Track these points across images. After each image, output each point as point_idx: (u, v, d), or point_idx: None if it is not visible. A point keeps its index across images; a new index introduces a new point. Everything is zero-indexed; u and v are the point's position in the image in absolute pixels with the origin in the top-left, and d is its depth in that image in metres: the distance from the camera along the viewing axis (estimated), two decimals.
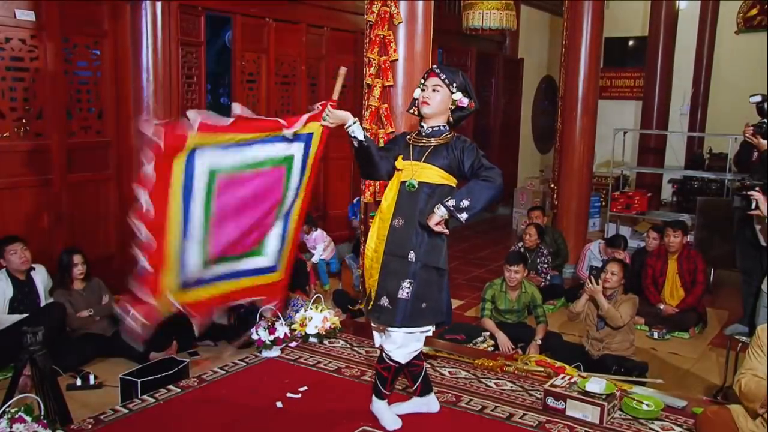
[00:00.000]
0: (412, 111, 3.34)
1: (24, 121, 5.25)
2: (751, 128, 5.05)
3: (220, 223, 3.19)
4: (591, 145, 7.58)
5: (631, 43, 12.61)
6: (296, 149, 3.29)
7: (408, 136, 3.30)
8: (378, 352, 3.40)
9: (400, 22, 4.82)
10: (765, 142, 4.97)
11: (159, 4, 5.84)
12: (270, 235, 3.38)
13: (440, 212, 3.04)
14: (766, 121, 5.01)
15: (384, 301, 3.15)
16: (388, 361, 3.27)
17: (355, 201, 6.41)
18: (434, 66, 3.29)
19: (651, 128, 10.35)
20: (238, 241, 3.28)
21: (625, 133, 9.03)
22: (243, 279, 3.40)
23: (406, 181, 3.15)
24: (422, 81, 3.23)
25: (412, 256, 3.12)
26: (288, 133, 3.23)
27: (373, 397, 3.42)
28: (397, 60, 4.86)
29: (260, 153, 3.23)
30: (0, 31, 5.00)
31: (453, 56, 10.06)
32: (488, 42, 10.67)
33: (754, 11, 11.47)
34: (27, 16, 5.14)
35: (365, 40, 4.97)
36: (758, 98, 5.04)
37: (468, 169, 3.14)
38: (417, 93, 3.24)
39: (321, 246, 6.97)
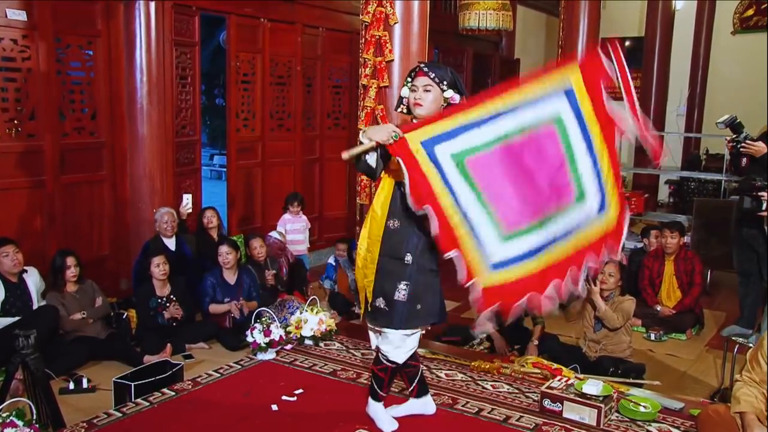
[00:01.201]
0: (400, 110, 3.30)
1: (16, 122, 5.23)
2: (730, 144, 5.13)
3: (497, 198, 2.91)
4: None
5: (627, 43, 12.63)
6: (558, 105, 2.99)
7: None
8: (374, 353, 3.39)
9: (395, 23, 4.82)
10: (761, 144, 4.99)
11: (152, 4, 5.84)
12: (581, 177, 3.01)
13: None
14: (743, 135, 5.06)
15: (380, 303, 3.14)
16: (385, 362, 3.26)
17: (331, 261, 6.36)
18: (421, 64, 3.25)
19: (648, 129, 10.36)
20: (535, 204, 2.95)
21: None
22: (581, 233, 3.01)
23: (400, 182, 3.10)
24: (409, 80, 3.18)
25: (408, 258, 3.11)
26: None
27: (370, 400, 3.41)
28: (392, 60, 4.86)
29: (503, 127, 2.93)
30: None
31: (449, 57, 10.06)
32: (484, 42, 10.68)
33: (750, 12, 11.51)
34: (18, 15, 5.12)
35: (361, 40, 4.98)
36: (723, 121, 5.08)
37: None
38: (405, 92, 3.20)
39: (305, 235, 6.86)
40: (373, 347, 3.37)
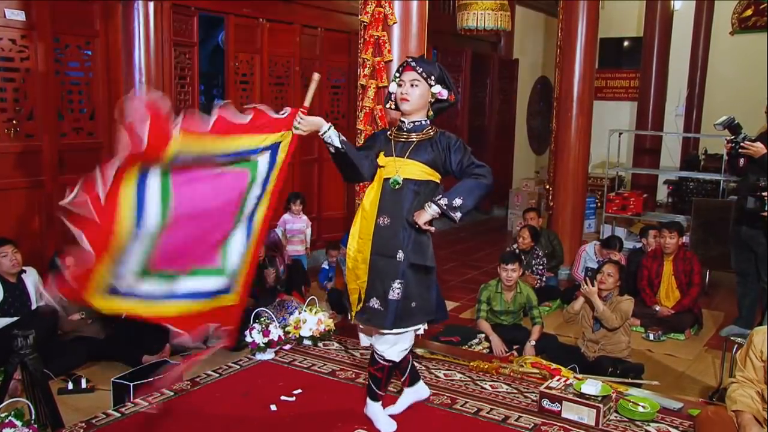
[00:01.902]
0: (388, 106, 3.28)
1: (14, 122, 5.22)
2: (729, 145, 5.14)
3: (174, 223, 2.80)
4: (586, 146, 7.59)
5: (626, 43, 12.67)
6: (261, 156, 3.02)
7: (388, 132, 3.24)
8: (370, 353, 3.39)
9: (394, 23, 4.83)
10: (759, 145, 5.00)
11: (151, 4, 5.84)
12: (229, 251, 2.99)
13: (432, 210, 3.01)
14: (741, 136, 5.07)
15: (374, 303, 3.11)
16: (381, 361, 3.26)
17: (324, 265, 6.35)
18: (409, 58, 3.20)
19: (646, 129, 10.39)
20: (188, 253, 2.89)
21: (620, 134, 9.06)
22: (196, 301, 2.94)
23: (389, 178, 3.10)
24: (397, 75, 3.15)
25: (400, 255, 3.07)
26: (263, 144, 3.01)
27: (368, 400, 3.41)
28: (391, 61, 4.86)
29: (226, 157, 2.94)
30: None
31: (448, 57, 10.07)
32: (483, 43, 10.69)
33: (748, 12, 11.53)
34: (17, 15, 5.12)
35: (359, 40, 4.98)
36: (721, 122, 5.10)
37: (456, 166, 3.10)
38: (393, 87, 3.18)
39: (309, 233, 6.83)
40: (363, 345, 3.39)
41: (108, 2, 5.75)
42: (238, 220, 2.98)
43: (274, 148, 3.03)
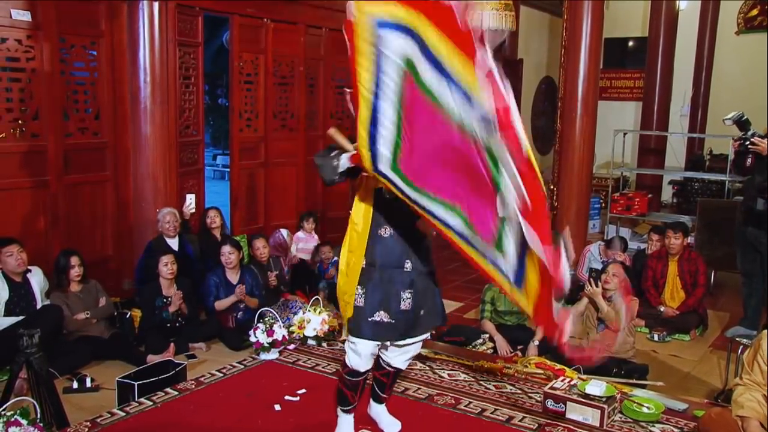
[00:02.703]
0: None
1: (20, 122, 5.24)
2: (737, 142, 5.12)
3: (412, 136, 2.53)
4: (591, 146, 7.57)
5: (630, 43, 12.63)
6: (481, 128, 2.44)
7: None
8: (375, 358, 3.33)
9: None
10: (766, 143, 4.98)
11: (156, 4, 5.84)
12: (505, 236, 2.56)
13: None
14: (750, 132, 5.06)
15: (382, 317, 2.98)
16: (387, 367, 3.25)
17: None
18: None
19: (651, 129, 10.36)
20: (453, 191, 2.57)
21: (625, 134, 9.04)
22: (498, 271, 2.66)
23: (383, 189, 2.93)
24: None
25: (408, 265, 3.01)
26: None
27: (371, 401, 3.42)
28: None
29: (453, 102, 2.46)
30: None
31: None
32: None
33: (754, 12, 11.49)
34: (23, 16, 5.13)
35: None
36: (731, 117, 5.08)
37: None
38: None
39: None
40: (367, 354, 3.13)
41: (113, 2, 5.76)
42: (502, 200, 2.48)
43: (486, 118, 2.43)
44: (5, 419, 2.96)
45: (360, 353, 3.06)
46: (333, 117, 8.06)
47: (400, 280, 3.00)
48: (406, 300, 3.00)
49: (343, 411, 3.30)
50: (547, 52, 12.42)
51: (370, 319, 2.97)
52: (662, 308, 5.86)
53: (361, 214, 3.01)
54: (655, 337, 5.59)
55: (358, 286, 3.00)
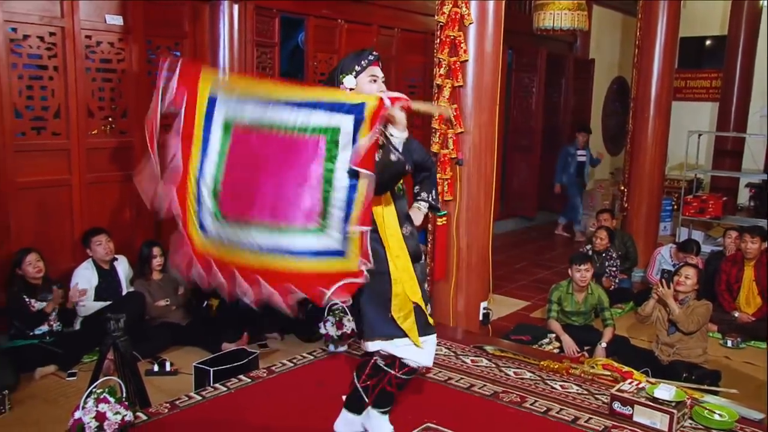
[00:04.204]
0: None
1: (110, 119, 5.46)
2: None
3: (232, 177, 2.76)
4: (663, 147, 7.36)
5: (708, 42, 12.17)
6: (342, 120, 2.57)
7: None
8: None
9: (470, 23, 4.80)
10: None
11: (236, 6, 6.00)
12: (331, 214, 2.63)
13: (425, 208, 3.11)
14: None
15: (430, 310, 3.02)
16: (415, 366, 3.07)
17: None
18: (375, 52, 2.89)
19: (728, 130, 9.97)
20: (269, 207, 2.70)
21: (699, 135, 8.73)
22: (305, 260, 2.70)
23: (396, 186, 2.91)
24: (362, 67, 2.81)
25: (422, 258, 3.04)
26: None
27: (350, 414, 3.28)
28: (467, 61, 4.84)
29: (290, 117, 2.64)
30: (92, 36, 5.22)
31: (523, 57, 9.94)
32: (559, 42, 10.48)
33: None
34: (115, 20, 5.35)
35: (435, 40, 4.97)
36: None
37: (420, 161, 3.03)
38: (352, 82, 2.81)
39: None
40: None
41: (196, 4, 5.93)
42: (327, 187, 2.62)
43: (357, 113, 2.57)
44: (96, 396, 3.10)
45: (430, 348, 3.01)
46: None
47: (422, 274, 3.02)
48: (426, 292, 3.04)
49: (383, 413, 3.16)
50: (620, 52, 12.11)
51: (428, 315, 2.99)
52: (736, 314, 5.65)
53: (390, 214, 2.90)
54: (729, 343, 5.38)
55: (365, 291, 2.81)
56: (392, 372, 3.01)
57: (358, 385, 3.15)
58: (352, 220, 2.60)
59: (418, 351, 2.95)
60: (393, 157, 2.68)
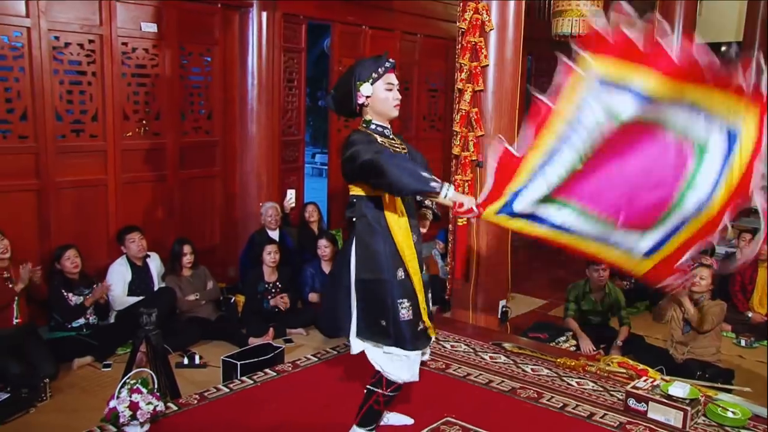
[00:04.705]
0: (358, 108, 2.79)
1: (144, 122, 5.54)
2: None
3: (590, 176, 2.62)
4: None
5: (723, 48, 11.99)
6: (716, 140, 2.54)
7: (381, 141, 2.76)
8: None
9: (491, 29, 4.80)
10: None
11: (264, 14, 6.05)
12: (664, 225, 2.68)
13: (431, 215, 3.04)
14: None
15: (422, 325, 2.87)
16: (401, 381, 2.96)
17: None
18: (390, 59, 2.80)
19: None
20: (612, 204, 2.67)
21: None
22: (602, 246, 2.75)
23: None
24: (378, 75, 2.71)
25: (424, 268, 2.91)
26: None
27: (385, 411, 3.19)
28: (488, 66, 4.84)
29: (670, 116, 2.55)
30: (128, 42, 5.30)
31: (542, 63, 9.87)
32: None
33: None
34: (150, 28, 5.42)
35: (457, 46, 4.98)
36: None
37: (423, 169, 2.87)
38: (369, 90, 2.72)
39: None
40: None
41: (227, 12, 5.99)
42: (682, 195, 2.62)
43: (732, 137, 2.53)
44: (129, 386, 3.16)
45: (415, 362, 2.89)
46: (425, 119, 8.09)
47: (427, 283, 2.90)
48: (429, 300, 2.92)
49: (369, 430, 3.03)
50: None
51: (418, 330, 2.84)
52: (750, 314, 5.58)
53: (399, 221, 2.77)
54: (742, 343, 5.33)
55: (405, 299, 2.76)
56: (379, 391, 2.91)
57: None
58: (674, 239, 2.67)
59: (400, 365, 2.84)
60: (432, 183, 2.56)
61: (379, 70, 2.72)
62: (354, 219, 2.80)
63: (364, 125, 2.81)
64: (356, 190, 2.81)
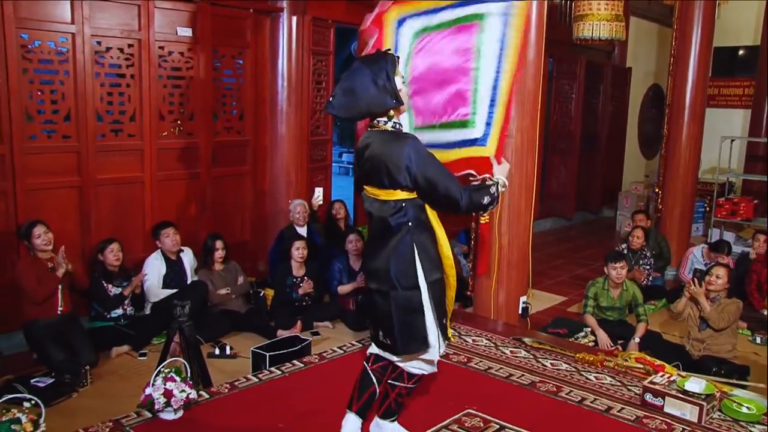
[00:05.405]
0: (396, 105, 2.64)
1: (179, 122, 5.59)
2: None
3: (416, 85, 3.08)
4: (697, 151, 7.18)
5: (741, 52, 11.78)
6: (493, 10, 3.00)
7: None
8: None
9: None
10: None
11: (294, 18, 6.07)
12: (477, 105, 2.99)
13: None
14: None
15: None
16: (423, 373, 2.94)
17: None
18: (396, 54, 2.80)
19: (759, 136, 9.64)
20: (438, 107, 3.06)
21: (732, 141, 8.46)
22: (452, 150, 3.01)
23: None
24: (394, 69, 2.58)
25: None
26: None
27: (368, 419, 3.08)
28: None
29: (451, 15, 3.09)
30: (165, 46, 5.35)
31: (563, 65, 9.79)
32: (597, 51, 10.29)
33: None
34: (185, 32, 5.47)
35: None
36: None
37: None
38: (400, 83, 2.64)
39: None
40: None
41: (258, 16, 6.02)
42: (476, 77, 3.01)
43: (506, 17, 3.00)
44: (164, 375, 3.19)
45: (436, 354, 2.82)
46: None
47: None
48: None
49: (395, 420, 2.96)
50: (656, 61, 11.81)
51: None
52: (765, 312, 5.48)
53: (436, 221, 2.71)
54: (758, 340, 5.23)
55: (431, 300, 2.66)
56: (401, 384, 2.85)
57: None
58: (494, 115, 2.99)
59: (428, 363, 2.83)
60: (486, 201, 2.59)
61: (398, 66, 2.62)
62: (409, 223, 2.62)
63: (392, 125, 2.65)
64: (400, 195, 2.60)
